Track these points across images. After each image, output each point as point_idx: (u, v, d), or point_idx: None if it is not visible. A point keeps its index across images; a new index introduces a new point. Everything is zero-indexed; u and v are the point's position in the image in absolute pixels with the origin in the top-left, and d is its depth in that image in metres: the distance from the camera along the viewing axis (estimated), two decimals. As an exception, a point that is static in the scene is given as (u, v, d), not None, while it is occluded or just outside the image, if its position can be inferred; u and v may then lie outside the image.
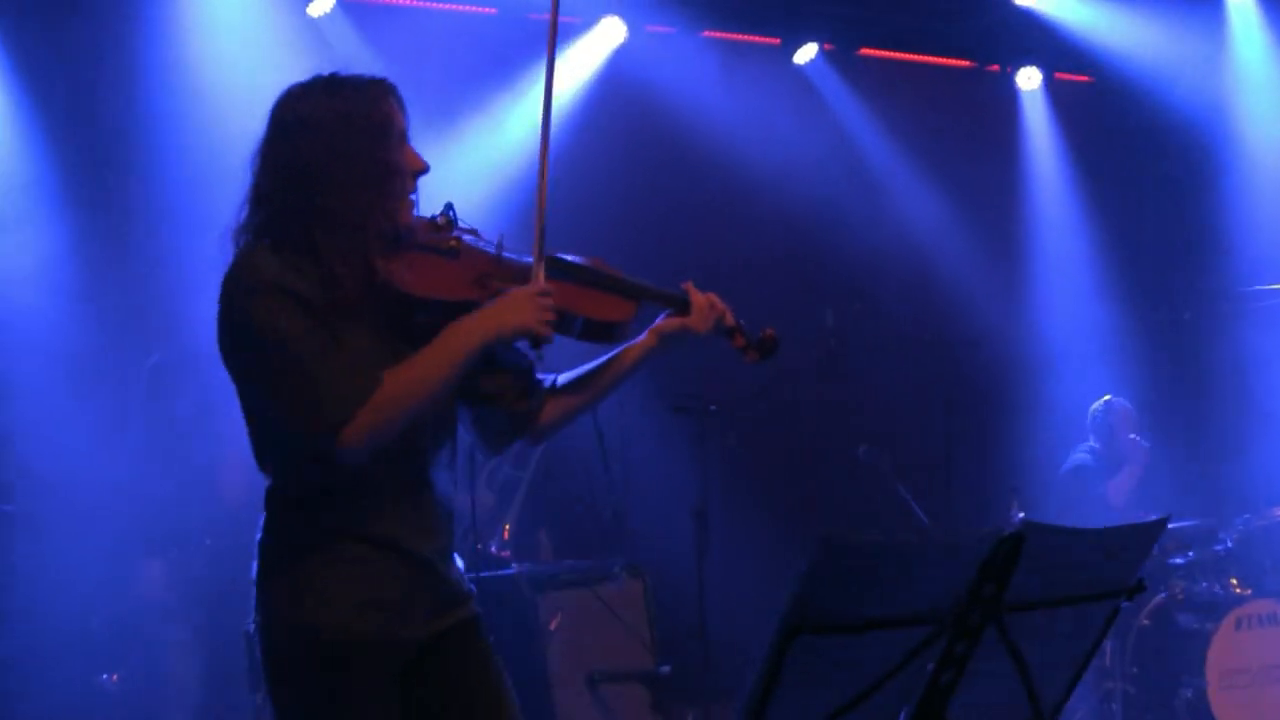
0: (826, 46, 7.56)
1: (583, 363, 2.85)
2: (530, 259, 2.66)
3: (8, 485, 5.33)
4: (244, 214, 2.56)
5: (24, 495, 5.29)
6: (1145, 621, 5.96)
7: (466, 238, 2.69)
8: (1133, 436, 6.72)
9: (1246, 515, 6.09)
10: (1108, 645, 5.88)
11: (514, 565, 5.48)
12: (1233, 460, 7.11)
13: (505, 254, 2.69)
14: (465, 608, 2.71)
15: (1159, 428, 7.17)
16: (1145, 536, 2.45)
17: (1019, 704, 2.36)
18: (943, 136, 7.74)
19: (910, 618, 2.17)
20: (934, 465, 6.52)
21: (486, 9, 6.75)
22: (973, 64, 8.09)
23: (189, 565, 5.19)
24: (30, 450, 5.34)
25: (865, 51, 7.73)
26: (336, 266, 2.49)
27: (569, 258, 2.75)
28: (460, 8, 6.81)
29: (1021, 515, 5.79)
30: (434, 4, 6.81)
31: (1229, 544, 6.02)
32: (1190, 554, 6.08)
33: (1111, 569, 2.36)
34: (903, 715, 2.33)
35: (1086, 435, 6.93)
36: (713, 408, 5.70)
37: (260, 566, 2.60)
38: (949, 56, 8.00)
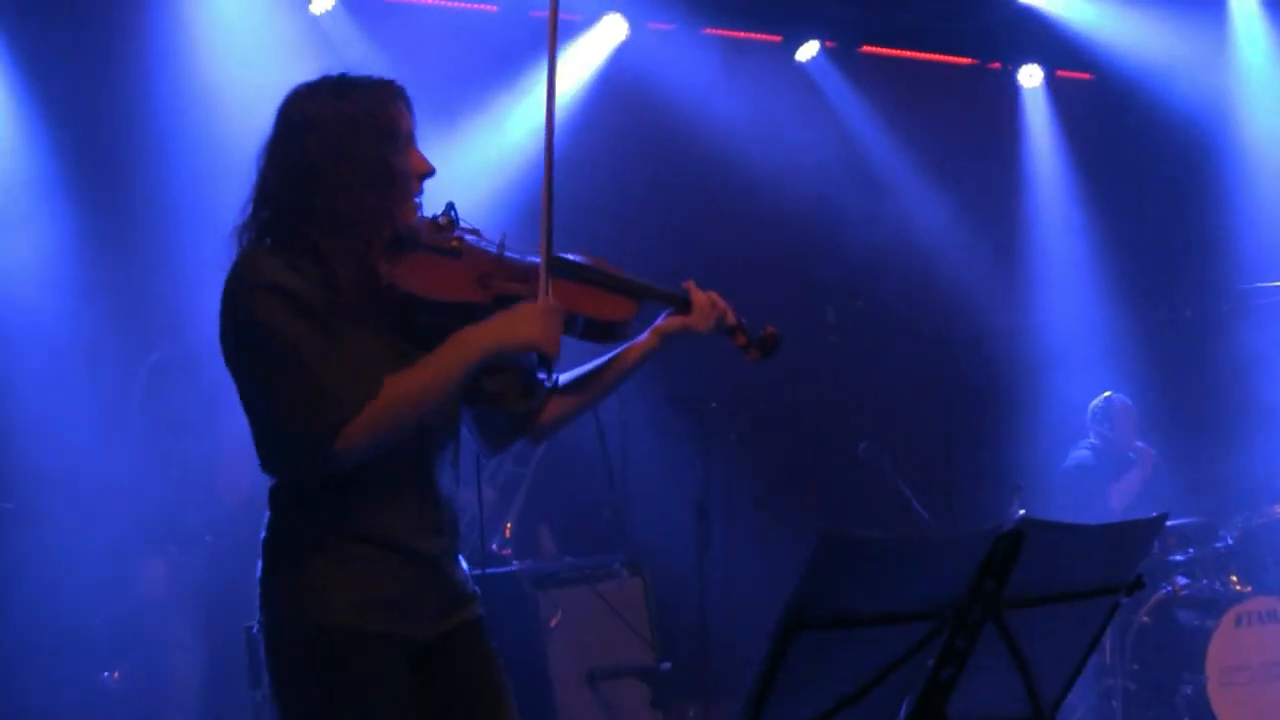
0: (828, 44, 7.56)
1: (583, 362, 2.84)
2: (533, 258, 2.65)
3: (9, 482, 5.33)
4: (248, 212, 2.56)
5: (25, 492, 5.29)
6: (1145, 618, 5.97)
7: (468, 238, 2.68)
8: (1140, 444, 6.72)
9: (1247, 512, 6.10)
10: (1108, 642, 5.88)
11: (514, 563, 5.48)
12: (1233, 457, 7.12)
13: (507, 253, 2.68)
14: (470, 609, 2.71)
15: (1159, 425, 7.18)
16: (1144, 533, 2.46)
17: (1019, 700, 2.37)
18: (944, 134, 7.74)
19: (910, 614, 2.18)
20: (935, 462, 6.52)
21: (487, 6, 6.75)
22: (974, 61, 8.10)
23: (190, 563, 5.20)
24: (32, 447, 5.34)
25: (867, 49, 7.73)
26: (337, 268, 2.48)
27: (570, 256, 2.75)
28: (461, 5, 6.81)
29: (1022, 512, 5.79)
30: (435, 1, 6.81)
31: (1229, 541, 6.03)
32: (1191, 551, 6.09)
33: (1110, 565, 2.37)
34: (903, 710, 2.33)
35: (1086, 432, 6.94)
36: (713, 404, 5.70)
37: (264, 566, 2.59)
38: (950, 54, 8.00)
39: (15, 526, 5.23)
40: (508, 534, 5.81)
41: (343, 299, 2.48)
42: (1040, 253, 8.10)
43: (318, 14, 6.34)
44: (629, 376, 2.84)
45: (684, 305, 2.81)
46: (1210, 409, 7.66)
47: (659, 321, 2.84)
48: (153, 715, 5.22)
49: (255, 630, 2.64)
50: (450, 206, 2.68)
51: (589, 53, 6.98)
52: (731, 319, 2.85)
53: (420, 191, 2.64)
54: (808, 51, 7.50)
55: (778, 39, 7.53)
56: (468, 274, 2.61)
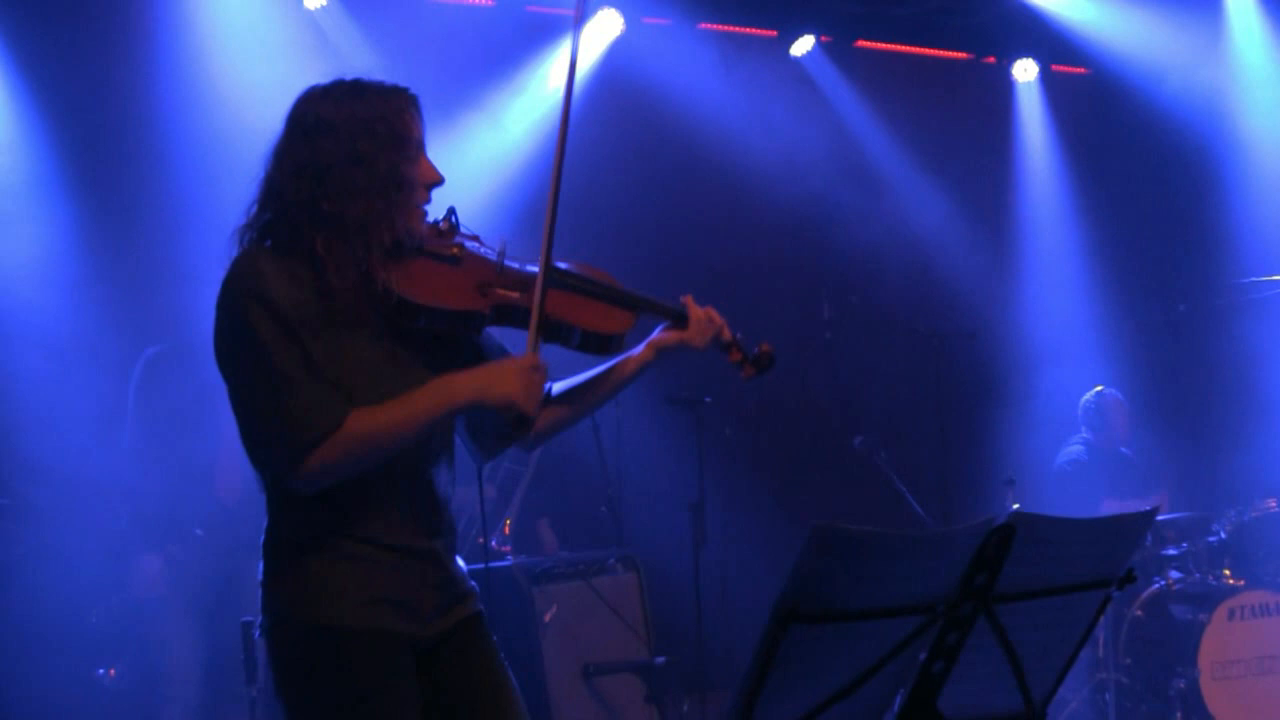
0: (823, 38, 7.57)
1: (577, 370, 2.84)
2: (532, 268, 2.64)
3: (6, 478, 5.33)
4: (252, 211, 2.55)
5: (22, 488, 5.29)
6: (1138, 612, 5.99)
7: (469, 244, 2.68)
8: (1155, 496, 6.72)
9: (1240, 506, 6.11)
10: (1101, 636, 5.90)
11: (509, 558, 5.49)
12: (1227, 452, 7.14)
13: (507, 262, 2.67)
14: (469, 605, 2.72)
15: (1152, 419, 7.19)
16: (1136, 527, 2.46)
17: (1010, 693, 2.38)
18: (939, 129, 7.75)
19: (903, 607, 2.18)
20: (929, 457, 6.54)
21: (483, 1, 6.75)
22: (969, 56, 8.11)
23: (186, 560, 5.19)
24: (30, 444, 5.34)
25: (862, 44, 7.74)
26: (333, 277, 2.48)
27: (568, 267, 2.74)
28: (457, 0, 6.81)
29: (1016, 506, 5.80)
30: (431, -4, 6.81)
31: (1222, 535, 6.04)
32: (1183, 545, 6.10)
33: (1102, 559, 2.38)
34: (895, 704, 2.34)
35: (1078, 427, 6.96)
36: (708, 399, 5.71)
37: (265, 567, 2.60)
38: (945, 48, 8.01)
39: (12, 523, 5.23)
40: (507, 530, 5.82)
41: (339, 305, 2.48)
42: (1035, 247, 8.11)
43: (312, 9, 6.34)
44: (623, 388, 2.84)
45: (681, 319, 2.82)
46: (1204, 403, 7.67)
47: (655, 334, 2.84)
48: (149, 712, 5.21)
49: (255, 629, 2.64)
50: (451, 211, 2.68)
51: (584, 48, 6.96)
52: (728, 335, 2.85)
53: (428, 200, 2.63)
54: (803, 46, 7.51)
55: (773, 34, 7.53)
56: (467, 282, 2.61)
